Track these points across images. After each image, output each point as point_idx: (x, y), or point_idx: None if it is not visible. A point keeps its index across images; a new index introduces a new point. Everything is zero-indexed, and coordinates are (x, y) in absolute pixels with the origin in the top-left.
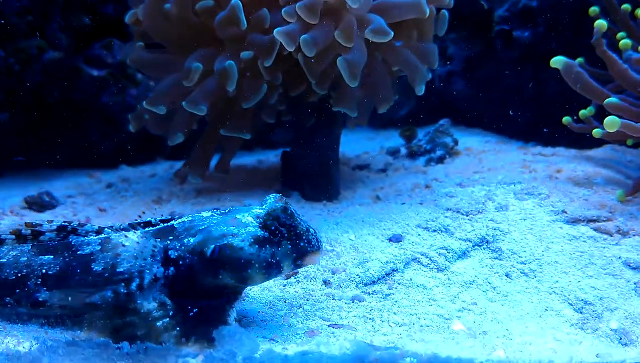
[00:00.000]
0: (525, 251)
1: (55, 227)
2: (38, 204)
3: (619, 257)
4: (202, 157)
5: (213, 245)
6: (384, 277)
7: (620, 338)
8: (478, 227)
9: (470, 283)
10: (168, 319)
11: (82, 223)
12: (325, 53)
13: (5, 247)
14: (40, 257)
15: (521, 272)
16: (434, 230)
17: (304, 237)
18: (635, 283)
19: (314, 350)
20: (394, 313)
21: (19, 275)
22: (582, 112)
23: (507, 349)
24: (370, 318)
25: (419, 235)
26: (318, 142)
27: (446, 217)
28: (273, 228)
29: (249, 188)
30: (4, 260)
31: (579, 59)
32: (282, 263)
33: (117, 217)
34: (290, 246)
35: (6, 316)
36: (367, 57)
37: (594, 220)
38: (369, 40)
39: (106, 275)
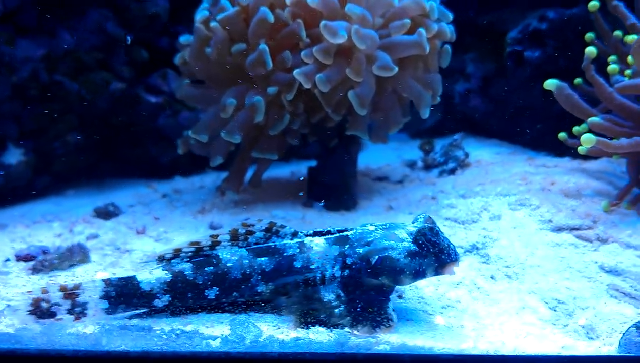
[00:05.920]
0: (511, 256)
1: (264, 227)
2: (104, 213)
3: (596, 262)
4: (237, 175)
5: (377, 256)
6: None
7: (587, 333)
8: (471, 235)
9: (457, 284)
10: (343, 307)
11: (283, 226)
12: (338, 87)
13: (224, 251)
14: (258, 258)
15: (505, 275)
16: None
17: (445, 251)
18: (607, 285)
19: (306, 337)
20: None
21: (245, 274)
22: (575, 129)
23: (478, 341)
24: None
25: None
26: (337, 160)
27: (444, 226)
28: (421, 242)
29: (278, 199)
30: (230, 264)
31: (577, 80)
32: (426, 271)
33: (168, 224)
34: (434, 258)
35: (228, 308)
36: (377, 87)
37: (577, 229)
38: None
39: (303, 271)
